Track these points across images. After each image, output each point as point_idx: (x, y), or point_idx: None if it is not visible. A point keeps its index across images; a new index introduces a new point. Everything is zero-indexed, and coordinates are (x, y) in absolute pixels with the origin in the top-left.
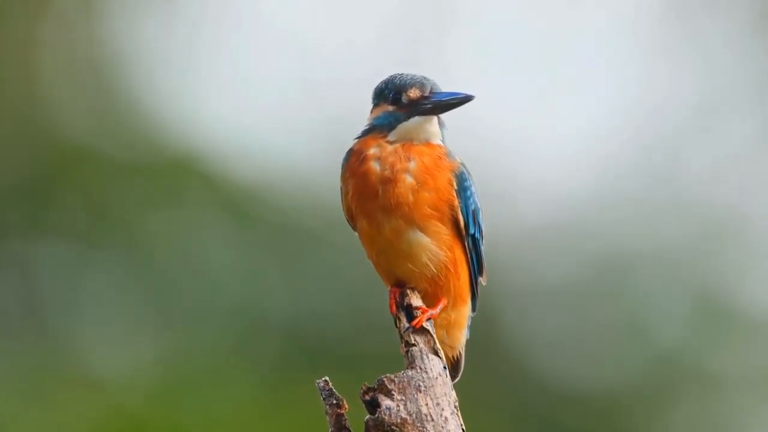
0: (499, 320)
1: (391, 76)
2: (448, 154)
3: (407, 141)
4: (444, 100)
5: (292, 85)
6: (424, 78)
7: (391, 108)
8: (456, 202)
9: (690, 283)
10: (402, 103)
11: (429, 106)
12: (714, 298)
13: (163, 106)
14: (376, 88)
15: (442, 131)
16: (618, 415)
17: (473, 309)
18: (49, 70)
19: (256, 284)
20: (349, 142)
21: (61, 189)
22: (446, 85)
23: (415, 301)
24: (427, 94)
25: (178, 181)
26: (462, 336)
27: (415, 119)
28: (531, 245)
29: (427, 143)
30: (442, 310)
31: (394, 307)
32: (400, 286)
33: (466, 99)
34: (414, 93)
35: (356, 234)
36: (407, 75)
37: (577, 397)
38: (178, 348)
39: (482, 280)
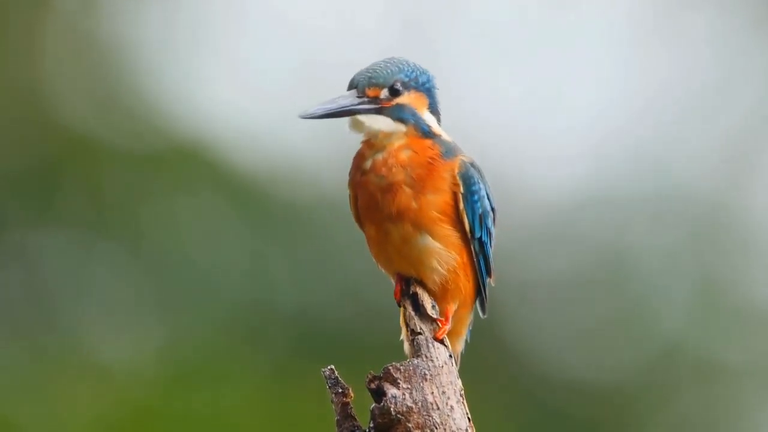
0: (501, 312)
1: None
2: (444, 154)
3: (366, 139)
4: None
5: (298, 72)
6: (365, 70)
7: None
8: (461, 206)
9: (693, 274)
10: None
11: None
12: (717, 289)
13: (169, 95)
14: None
15: (412, 123)
16: (622, 405)
17: (483, 312)
18: (53, 59)
19: (262, 273)
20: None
21: (66, 178)
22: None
23: (427, 303)
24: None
25: (183, 170)
26: (459, 344)
27: (348, 120)
28: (533, 237)
29: (415, 143)
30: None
31: (398, 294)
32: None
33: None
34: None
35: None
36: (367, 66)
37: (580, 387)
38: (185, 337)
39: (491, 281)
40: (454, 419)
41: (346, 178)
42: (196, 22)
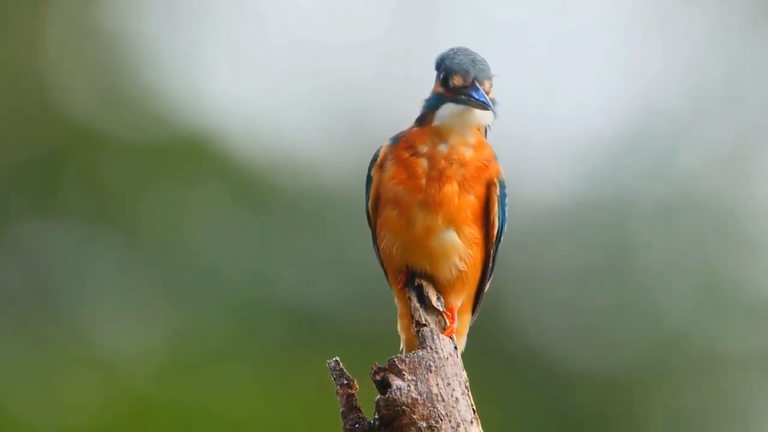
0: (506, 302)
1: (449, 52)
2: (496, 158)
3: (447, 128)
4: (472, 100)
5: (303, 65)
6: (473, 63)
7: (440, 89)
8: (495, 208)
9: (697, 266)
10: (449, 86)
11: (463, 98)
12: (721, 281)
13: (171, 86)
14: (436, 60)
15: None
16: (625, 395)
17: (473, 313)
18: (56, 50)
19: (264, 264)
20: (356, 122)
21: (68, 169)
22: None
23: (432, 295)
24: (468, 83)
25: (186, 161)
26: (461, 343)
27: (452, 108)
28: (538, 228)
29: (480, 144)
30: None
31: (402, 284)
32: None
33: (484, 108)
34: (457, 80)
35: (372, 228)
36: (460, 56)
37: (584, 378)
38: (186, 328)
39: (486, 285)
40: (459, 411)
41: (351, 171)
42: (200, 13)
